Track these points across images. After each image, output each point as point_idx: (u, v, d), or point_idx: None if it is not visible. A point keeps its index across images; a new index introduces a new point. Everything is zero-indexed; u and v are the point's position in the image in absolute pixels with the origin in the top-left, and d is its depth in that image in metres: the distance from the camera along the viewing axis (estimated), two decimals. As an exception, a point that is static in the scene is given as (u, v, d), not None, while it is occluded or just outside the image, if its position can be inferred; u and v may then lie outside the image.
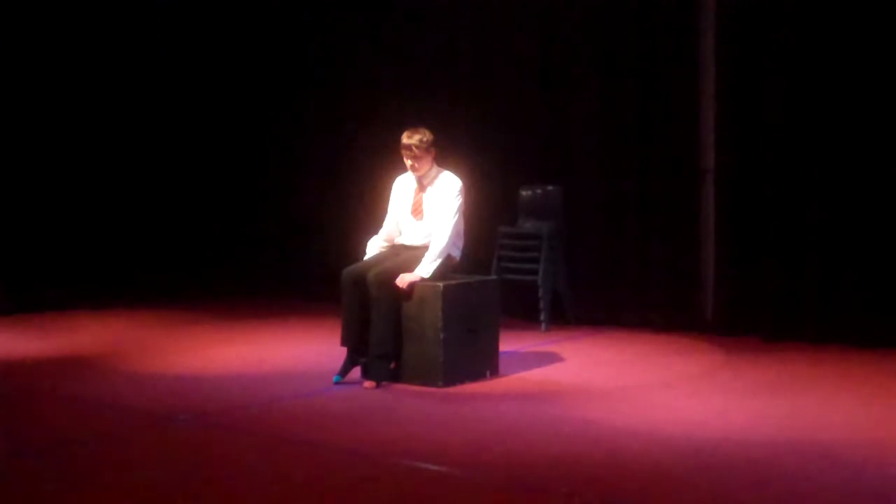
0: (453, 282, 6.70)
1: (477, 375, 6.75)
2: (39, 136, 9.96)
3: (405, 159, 6.74)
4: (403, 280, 6.56)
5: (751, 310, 8.09)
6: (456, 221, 6.76)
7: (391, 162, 7.02)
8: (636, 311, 8.64)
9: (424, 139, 6.71)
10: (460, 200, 6.78)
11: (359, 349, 6.65)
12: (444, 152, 7.19)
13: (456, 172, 7.02)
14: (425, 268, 6.64)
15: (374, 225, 7.27)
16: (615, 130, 8.70)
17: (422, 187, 6.86)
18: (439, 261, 6.68)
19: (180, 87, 10.87)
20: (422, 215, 6.84)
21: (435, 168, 6.85)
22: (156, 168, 10.76)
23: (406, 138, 6.71)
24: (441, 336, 6.51)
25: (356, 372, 6.68)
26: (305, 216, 10.52)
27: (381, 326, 6.52)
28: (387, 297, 6.53)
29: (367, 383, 6.53)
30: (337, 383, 6.59)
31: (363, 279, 6.59)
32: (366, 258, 6.88)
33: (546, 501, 4.54)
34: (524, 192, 8.77)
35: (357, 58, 10.13)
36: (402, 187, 6.97)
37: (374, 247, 6.94)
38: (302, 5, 10.54)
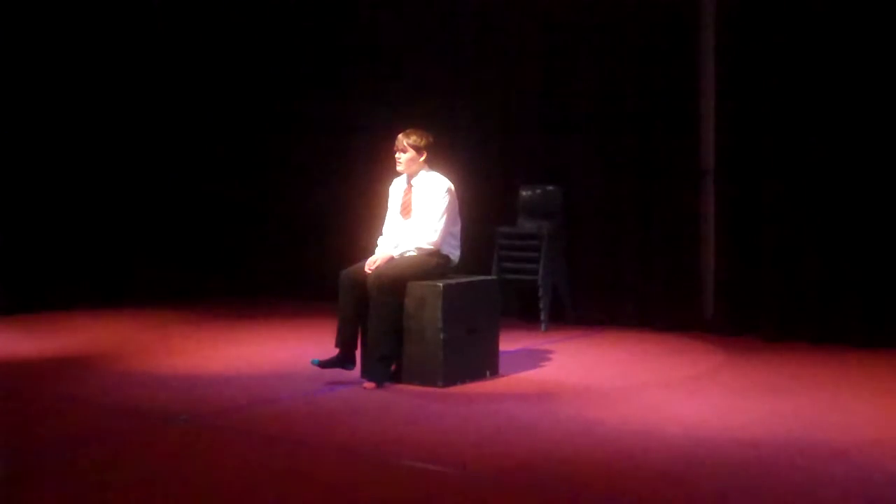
0: (453, 282, 6.70)
1: (477, 375, 6.75)
2: (39, 136, 9.95)
3: (395, 153, 6.79)
4: (372, 264, 6.60)
5: (751, 310, 8.10)
6: (444, 222, 6.76)
7: (390, 163, 7.03)
8: (636, 311, 8.64)
9: (418, 140, 6.76)
10: (447, 201, 6.79)
11: (350, 354, 6.66)
12: (443, 153, 7.20)
13: (455, 173, 7.02)
14: (399, 252, 6.68)
15: (373, 226, 7.27)
16: (615, 130, 8.70)
17: (411, 187, 6.89)
18: (415, 253, 6.70)
19: (180, 87, 10.86)
20: (409, 215, 6.86)
21: (426, 170, 6.87)
22: (155, 168, 10.76)
23: (401, 135, 6.79)
24: (441, 336, 6.51)
25: (356, 372, 6.68)
26: (305, 216, 10.53)
27: (381, 328, 6.51)
28: (387, 298, 6.53)
29: (367, 384, 6.53)
30: (313, 364, 6.60)
31: (361, 281, 6.60)
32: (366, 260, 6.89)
33: (546, 501, 4.54)
34: (524, 192, 8.77)
35: (357, 58, 10.13)
36: (396, 189, 7.00)
37: (383, 248, 6.92)
38: (301, 6, 10.54)
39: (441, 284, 6.57)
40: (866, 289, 7.61)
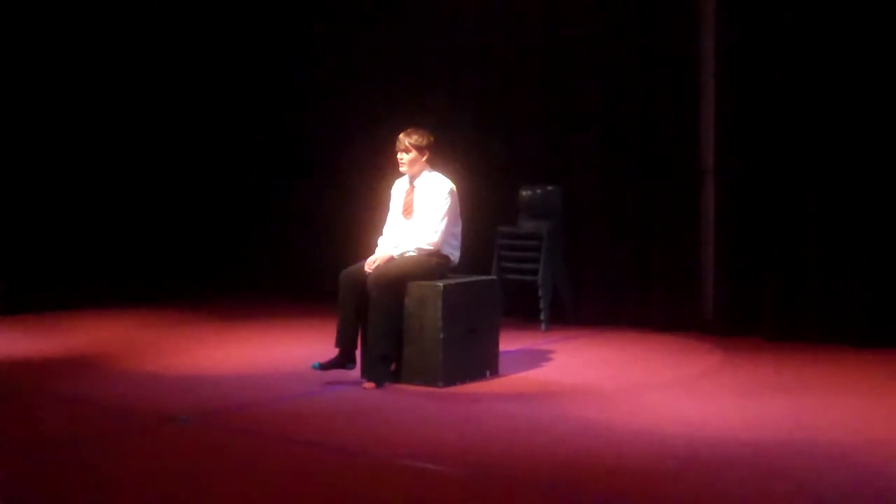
0: (453, 282, 6.70)
1: (477, 375, 6.75)
2: (39, 136, 9.95)
3: (397, 153, 6.79)
4: (372, 263, 6.59)
5: (751, 310, 8.10)
6: (445, 223, 6.76)
7: (391, 163, 7.04)
8: (636, 311, 8.64)
9: (420, 140, 6.77)
10: (449, 203, 6.79)
11: (350, 354, 6.66)
12: (444, 153, 7.20)
13: (455, 173, 7.02)
14: (399, 252, 6.67)
15: (373, 225, 7.28)
16: (615, 130, 8.70)
17: (413, 188, 6.88)
18: (415, 253, 6.70)
19: (180, 86, 10.86)
20: (411, 215, 6.86)
21: (428, 170, 6.87)
22: (155, 168, 10.76)
23: (403, 134, 6.79)
24: (441, 336, 6.51)
25: (356, 372, 6.68)
26: (305, 216, 10.53)
27: (381, 327, 6.51)
28: (387, 297, 6.53)
29: (367, 384, 6.53)
30: (314, 368, 6.59)
31: (361, 281, 6.60)
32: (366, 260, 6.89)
33: (546, 501, 4.54)
34: (524, 192, 8.77)
35: (357, 57, 10.13)
36: (398, 189, 7.00)
37: (383, 247, 6.92)
38: (301, 5, 10.54)
39: (441, 284, 6.58)
40: (866, 289, 7.61)
